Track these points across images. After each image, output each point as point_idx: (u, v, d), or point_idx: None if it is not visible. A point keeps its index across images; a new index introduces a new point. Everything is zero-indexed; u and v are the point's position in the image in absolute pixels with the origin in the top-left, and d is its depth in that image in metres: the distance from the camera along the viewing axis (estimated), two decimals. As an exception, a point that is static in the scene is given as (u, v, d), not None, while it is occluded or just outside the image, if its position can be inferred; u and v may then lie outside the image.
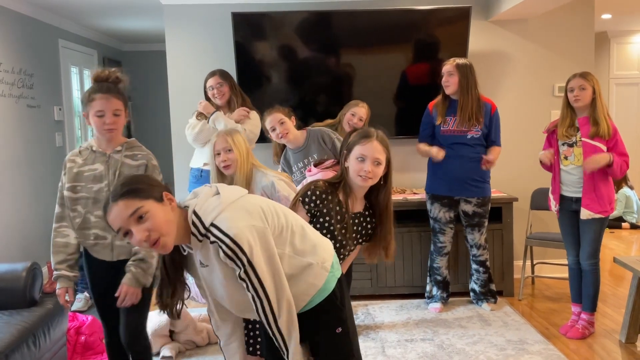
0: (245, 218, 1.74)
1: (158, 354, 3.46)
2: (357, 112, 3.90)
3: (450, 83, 3.88)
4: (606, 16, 6.23)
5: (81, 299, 4.35)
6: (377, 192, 2.43)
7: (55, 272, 2.59)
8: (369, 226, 2.48)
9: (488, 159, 3.91)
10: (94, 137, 2.55)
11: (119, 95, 2.49)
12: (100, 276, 2.64)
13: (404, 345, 3.55)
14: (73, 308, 4.25)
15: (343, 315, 2.01)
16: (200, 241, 1.76)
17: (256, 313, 1.80)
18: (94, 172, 2.50)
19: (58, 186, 2.65)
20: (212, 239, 1.72)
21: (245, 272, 1.73)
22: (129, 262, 2.45)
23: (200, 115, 3.93)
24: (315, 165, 3.20)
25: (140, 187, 1.71)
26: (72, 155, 2.57)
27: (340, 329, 1.99)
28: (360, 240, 2.50)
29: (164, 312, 1.91)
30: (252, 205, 1.81)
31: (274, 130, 3.53)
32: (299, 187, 3.55)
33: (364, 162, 2.33)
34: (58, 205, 2.65)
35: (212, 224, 1.72)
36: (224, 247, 1.70)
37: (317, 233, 2.05)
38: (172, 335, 3.56)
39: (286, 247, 1.87)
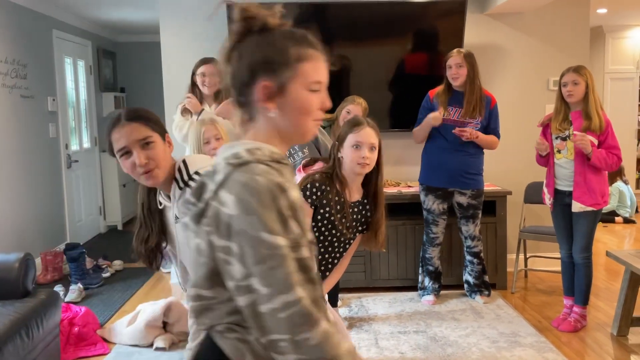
0: None
1: (151, 345, 3.47)
2: (352, 110, 3.84)
3: (459, 75, 3.86)
4: (601, 11, 6.23)
5: (75, 290, 4.34)
6: (372, 178, 2.47)
7: None
8: (368, 214, 2.51)
9: (471, 131, 3.84)
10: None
11: None
12: None
13: (397, 337, 3.56)
14: (67, 299, 4.25)
15: None
16: (181, 189, 1.77)
17: None
18: None
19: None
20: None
21: None
22: None
23: (186, 111, 3.86)
24: (305, 167, 3.20)
25: (154, 120, 1.77)
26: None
27: None
28: (360, 229, 2.52)
29: (139, 259, 1.89)
30: None
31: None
32: None
33: (361, 149, 2.38)
34: None
35: (197, 172, 1.77)
36: None
37: None
38: (165, 326, 3.56)
39: None
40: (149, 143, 1.72)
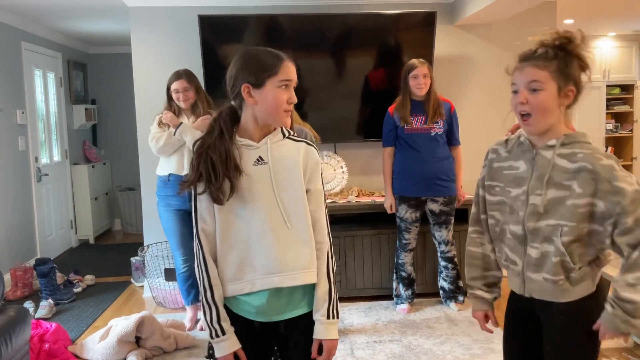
0: None
1: (124, 360, 3.42)
2: None
3: (426, 85, 3.93)
4: (568, 21, 6.37)
5: (45, 306, 4.27)
6: None
7: (469, 291, 2.07)
8: None
9: (461, 199, 4.16)
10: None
11: None
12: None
13: (372, 347, 3.57)
14: (37, 315, 4.18)
15: None
16: (284, 136, 1.81)
17: (311, 224, 1.77)
18: (514, 172, 1.84)
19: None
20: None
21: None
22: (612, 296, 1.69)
23: (163, 123, 3.84)
24: None
25: None
26: (496, 144, 1.94)
27: None
28: None
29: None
30: None
31: None
32: None
33: None
34: (473, 203, 2.01)
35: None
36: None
37: None
38: (138, 341, 3.52)
39: None
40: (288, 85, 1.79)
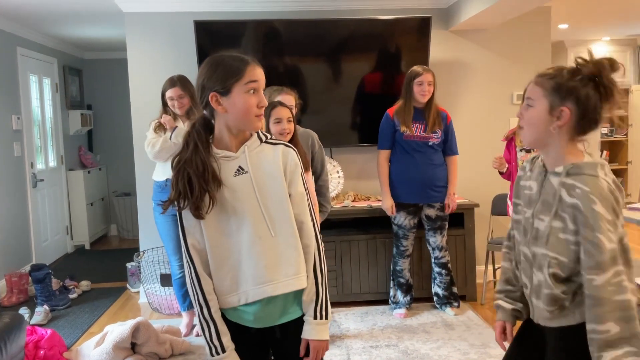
0: None
1: (120, 366, 3.41)
2: (283, 98, 3.41)
3: (429, 92, 3.95)
4: (563, 26, 6.40)
5: (40, 312, 4.25)
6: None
7: (494, 302, 2.00)
8: None
9: (452, 206, 4.11)
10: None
11: None
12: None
13: (369, 352, 3.57)
14: (32, 322, 4.16)
15: None
16: (261, 142, 1.79)
17: (296, 226, 1.76)
18: (529, 193, 1.79)
19: None
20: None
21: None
22: None
23: (159, 128, 3.83)
24: None
25: None
26: (528, 159, 1.89)
27: None
28: None
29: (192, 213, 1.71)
30: None
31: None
32: None
33: (281, 122, 3.07)
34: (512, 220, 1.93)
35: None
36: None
37: None
38: (134, 347, 3.51)
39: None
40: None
